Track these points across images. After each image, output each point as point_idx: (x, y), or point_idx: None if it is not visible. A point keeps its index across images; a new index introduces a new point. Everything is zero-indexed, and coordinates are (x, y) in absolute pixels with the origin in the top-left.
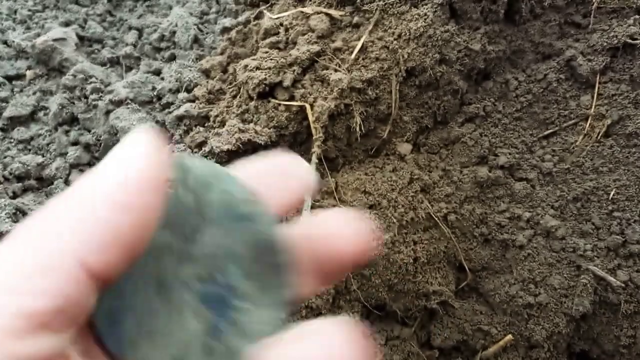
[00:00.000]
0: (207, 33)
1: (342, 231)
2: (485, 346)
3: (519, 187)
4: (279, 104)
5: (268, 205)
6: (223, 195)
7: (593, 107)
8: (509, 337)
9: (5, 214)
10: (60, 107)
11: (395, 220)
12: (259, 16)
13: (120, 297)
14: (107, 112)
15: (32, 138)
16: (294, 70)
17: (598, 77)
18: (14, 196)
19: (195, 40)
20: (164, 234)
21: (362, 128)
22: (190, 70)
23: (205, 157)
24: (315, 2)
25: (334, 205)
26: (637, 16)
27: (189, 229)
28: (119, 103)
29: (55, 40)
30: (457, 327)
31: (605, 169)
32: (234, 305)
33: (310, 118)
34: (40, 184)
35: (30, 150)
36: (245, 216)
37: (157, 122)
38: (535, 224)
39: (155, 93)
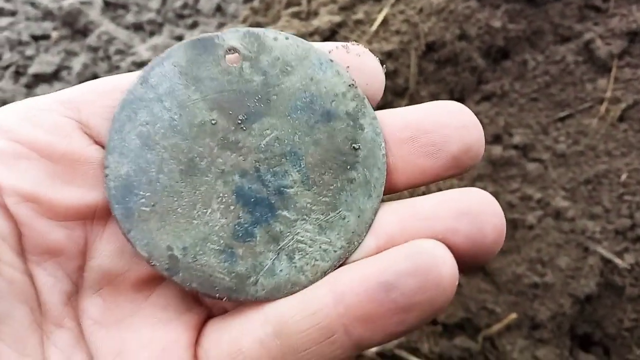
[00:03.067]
0: (230, 2)
1: (450, 122)
2: (489, 324)
3: (531, 167)
4: None
5: (368, 104)
6: (306, 83)
7: (609, 90)
8: (513, 315)
9: None
10: (83, 67)
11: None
12: None
13: (142, 167)
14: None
15: None
16: (314, 40)
17: (615, 61)
18: None
19: (218, 8)
20: (210, 113)
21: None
22: None
23: None
24: None
25: None
26: None
27: (244, 113)
28: (140, 65)
29: (81, 3)
30: (462, 305)
31: (618, 152)
32: (280, 214)
33: None
34: None
35: None
36: (331, 114)
37: None
38: (546, 205)
39: None
